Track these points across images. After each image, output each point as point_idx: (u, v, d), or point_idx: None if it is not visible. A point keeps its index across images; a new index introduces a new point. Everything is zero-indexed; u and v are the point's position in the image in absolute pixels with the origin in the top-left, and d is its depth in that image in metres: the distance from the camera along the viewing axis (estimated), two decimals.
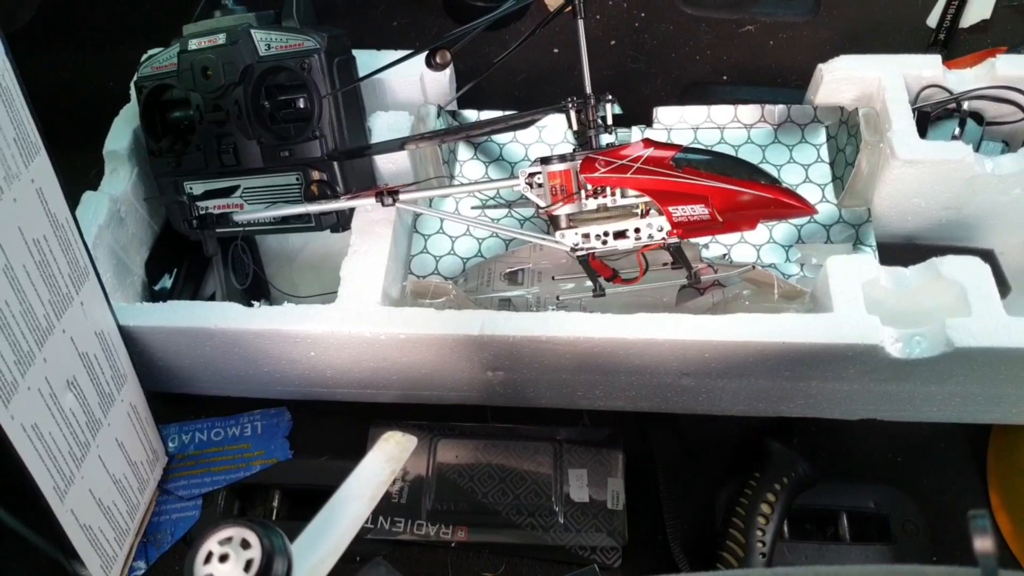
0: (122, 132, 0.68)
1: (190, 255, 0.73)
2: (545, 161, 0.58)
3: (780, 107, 0.70)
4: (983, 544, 0.22)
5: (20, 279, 0.45)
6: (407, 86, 0.70)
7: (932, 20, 0.93)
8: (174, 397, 0.68)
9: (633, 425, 0.66)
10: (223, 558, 0.28)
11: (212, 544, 0.29)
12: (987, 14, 0.92)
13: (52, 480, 0.49)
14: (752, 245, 0.68)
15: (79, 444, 0.52)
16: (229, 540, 0.29)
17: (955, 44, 0.92)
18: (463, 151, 0.74)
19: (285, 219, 0.64)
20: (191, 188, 0.65)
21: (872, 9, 0.96)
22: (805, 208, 0.57)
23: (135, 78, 0.66)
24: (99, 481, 0.55)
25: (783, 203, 0.57)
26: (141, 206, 0.68)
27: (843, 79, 0.68)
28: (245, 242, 0.69)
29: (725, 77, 0.93)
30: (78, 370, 0.52)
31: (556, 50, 0.94)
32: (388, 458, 0.35)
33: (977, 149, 0.67)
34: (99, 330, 0.54)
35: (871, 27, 0.95)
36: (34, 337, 0.46)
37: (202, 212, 0.64)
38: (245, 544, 0.29)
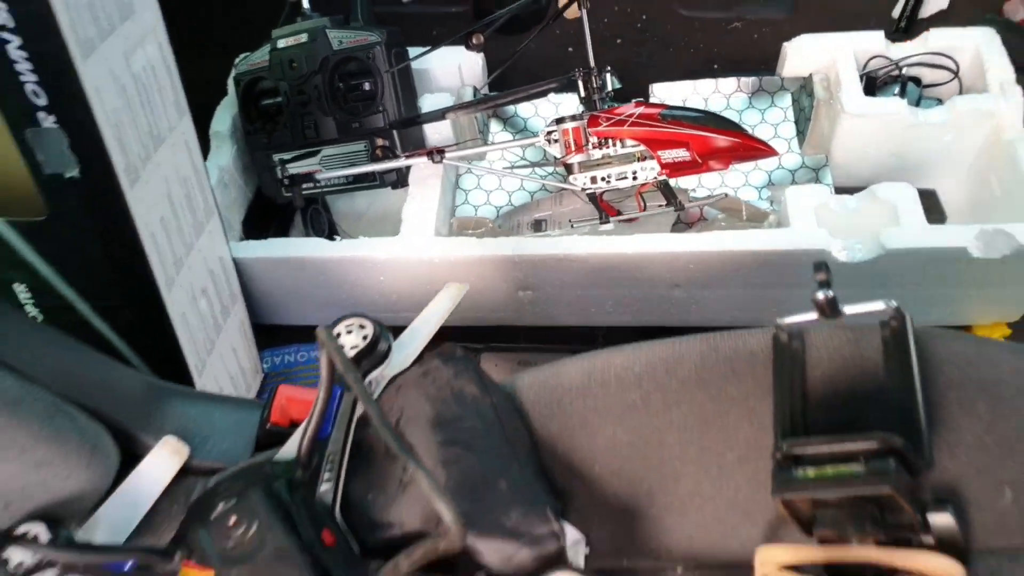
0: (223, 117, 0.85)
1: (277, 219, 0.90)
2: (559, 121, 0.73)
3: (753, 79, 0.86)
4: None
5: (176, 203, 0.62)
6: (448, 74, 0.87)
7: (896, 11, 1.07)
8: (267, 328, 0.84)
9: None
10: (348, 332, 0.44)
11: (339, 327, 0.44)
12: (944, 4, 1.07)
13: (194, 359, 0.65)
14: (731, 188, 0.82)
15: (208, 339, 0.68)
16: (351, 324, 0.44)
17: (916, 32, 1.06)
18: (494, 125, 0.91)
19: (356, 179, 0.81)
20: (280, 158, 0.82)
21: (843, 4, 1.11)
22: (768, 150, 0.71)
23: (233, 74, 0.84)
24: (220, 373, 0.71)
25: (750, 146, 0.71)
26: (240, 176, 0.85)
27: (804, 54, 0.84)
28: (321, 205, 0.86)
29: (716, 66, 1.09)
30: (207, 283, 0.68)
31: (570, 48, 1.11)
32: (449, 296, 0.50)
33: (917, 106, 0.81)
34: (220, 255, 0.71)
35: (842, 20, 1.10)
36: (183, 248, 0.63)
37: (292, 173, 0.81)
38: (362, 327, 0.44)
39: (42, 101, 0.47)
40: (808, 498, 0.32)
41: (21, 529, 0.38)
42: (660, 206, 0.78)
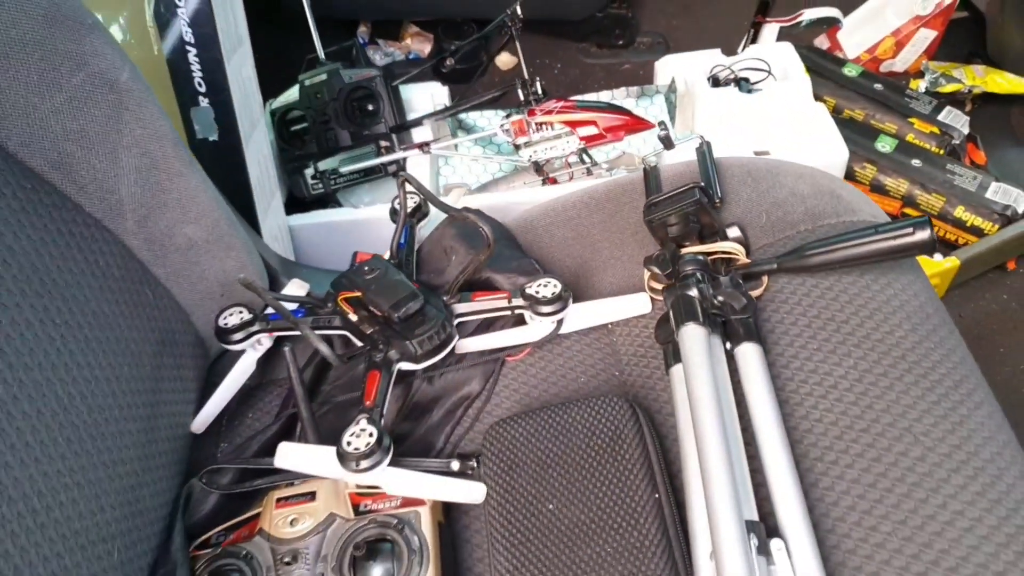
0: None
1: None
2: (508, 116, 1.08)
3: (637, 88, 1.23)
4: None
5: (262, 169, 0.92)
6: (424, 101, 1.21)
7: (739, 48, 1.48)
8: None
9: None
10: (409, 198, 0.74)
11: (399, 195, 0.75)
12: (773, 39, 1.49)
13: None
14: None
15: None
16: (410, 195, 0.75)
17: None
18: (460, 134, 1.24)
19: (367, 172, 1.12)
20: (309, 164, 1.13)
21: (701, 45, 1.52)
22: (648, 124, 1.07)
23: (269, 108, 1.16)
24: None
25: (636, 123, 1.07)
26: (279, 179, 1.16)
27: (670, 67, 1.22)
28: (335, 200, 1.17)
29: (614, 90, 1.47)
30: (276, 232, 0.97)
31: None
32: (456, 194, 0.81)
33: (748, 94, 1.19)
34: (280, 222, 1.00)
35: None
36: (266, 202, 0.92)
37: (322, 170, 1.12)
38: (414, 199, 0.75)
39: (202, 89, 0.78)
40: (660, 219, 0.64)
41: (231, 309, 0.66)
42: (582, 170, 1.12)
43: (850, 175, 1.22)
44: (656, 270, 0.59)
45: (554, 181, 1.11)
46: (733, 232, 0.65)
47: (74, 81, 0.49)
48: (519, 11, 1.11)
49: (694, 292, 0.56)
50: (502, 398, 0.63)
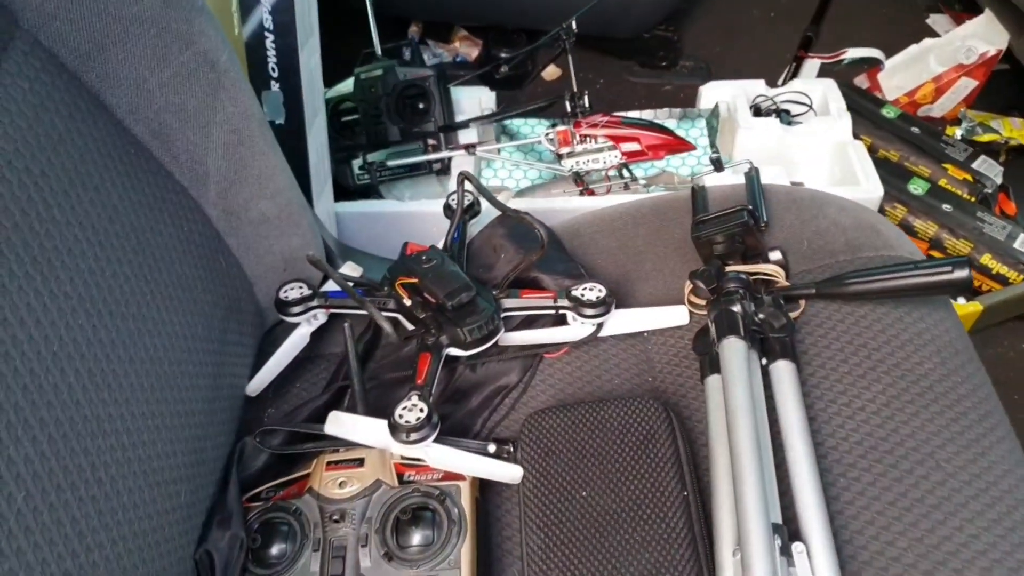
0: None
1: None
2: (553, 125, 1.11)
3: (679, 110, 1.26)
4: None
5: (318, 156, 0.95)
6: (472, 104, 1.25)
7: (780, 80, 1.52)
8: None
9: None
10: (464, 196, 0.78)
11: (457, 191, 0.78)
12: (814, 74, 1.52)
13: None
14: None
15: None
16: (467, 193, 0.78)
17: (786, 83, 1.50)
18: (504, 139, 1.28)
19: (413, 167, 1.16)
20: (357, 155, 1.17)
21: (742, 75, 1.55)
22: (688, 145, 1.10)
23: (324, 97, 1.20)
24: None
25: (677, 143, 1.10)
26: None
27: (713, 93, 1.25)
28: (377, 193, 1.21)
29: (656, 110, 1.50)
30: (326, 218, 1.01)
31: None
32: (505, 194, 0.85)
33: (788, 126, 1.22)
34: (328, 208, 1.04)
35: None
36: (320, 186, 0.96)
37: (371, 161, 1.16)
38: (469, 197, 0.78)
39: (275, 74, 0.82)
40: (707, 236, 0.67)
41: (291, 284, 0.69)
42: (621, 185, 1.16)
43: (880, 213, 1.25)
44: (701, 284, 0.62)
45: (592, 192, 1.14)
46: (775, 255, 0.68)
47: (181, 58, 0.53)
48: (574, 26, 1.14)
49: (737, 308, 0.59)
50: (537, 391, 0.66)
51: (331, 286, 0.71)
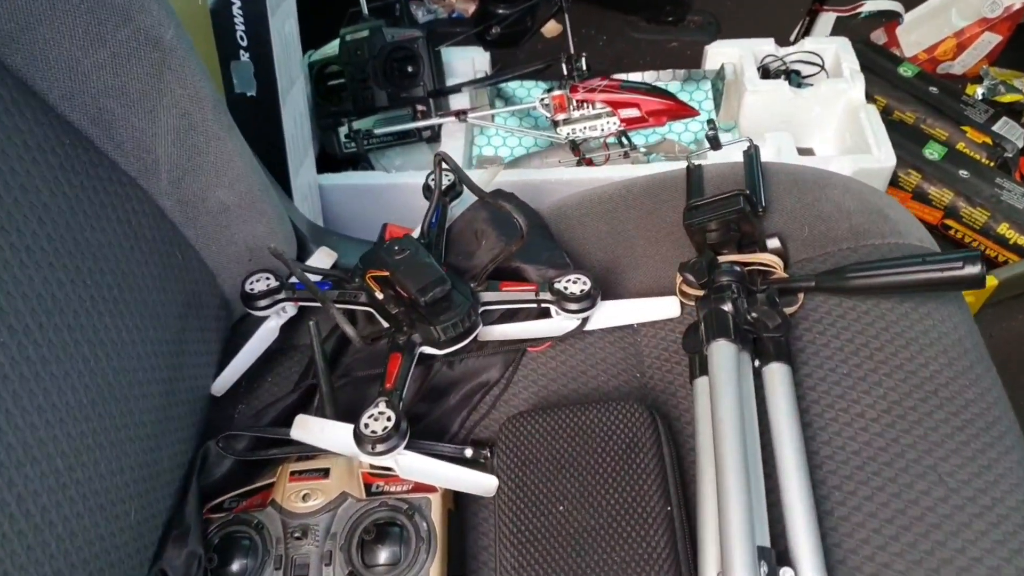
0: None
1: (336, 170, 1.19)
2: (549, 90, 1.05)
3: (683, 71, 1.19)
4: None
5: (297, 126, 0.90)
6: (465, 65, 1.19)
7: (792, 36, 1.44)
8: None
9: None
10: (444, 174, 0.73)
11: (434, 172, 0.73)
12: (828, 31, 1.44)
13: None
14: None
15: None
16: (445, 173, 0.73)
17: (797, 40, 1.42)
18: (498, 103, 1.22)
19: (401, 135, 1.11)
20: (343, 122, 1.12)
21: (752, 32, 1.47)
22: (692, 111, 1.04)
23: (308, 60, 1.14)
24: None
25: (680, 108, 1.04)
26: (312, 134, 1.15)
27: (720, 53, 1.18)
28: (367, 161, 1.16)
29: (660, 71, 1.43)
30: (307, 192, 0.96)
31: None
32: (490, 172, 0.80)
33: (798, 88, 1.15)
34: (310, 180, 0.99)
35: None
36: (298, 160, 0.92)
37: (356, 128, 1.11)
38: (450, 176, 0.73)
39: (244, 43, 0.77)
40: (700, 224, 0.62)
41: (258, 275, 0.65)
42: (620, 153, 1.10)
43: (894, 181, 1.19)
44: (691, 277, 0.58)
45: (590, 162, 1.09)
46: (773, 243, 0.63)
47: (119, 36, 0.48)
48: None
49: (728, 307, 0.54)
50: (520, 388, 0.63)
51: None
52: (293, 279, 0.65)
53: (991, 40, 1.32)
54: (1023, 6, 1.28)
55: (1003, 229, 1.13)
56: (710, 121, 0.88)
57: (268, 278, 0.65)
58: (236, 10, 0.75)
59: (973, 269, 0.51)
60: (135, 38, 0.49)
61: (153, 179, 0.54)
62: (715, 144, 0.77)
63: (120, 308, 0.48)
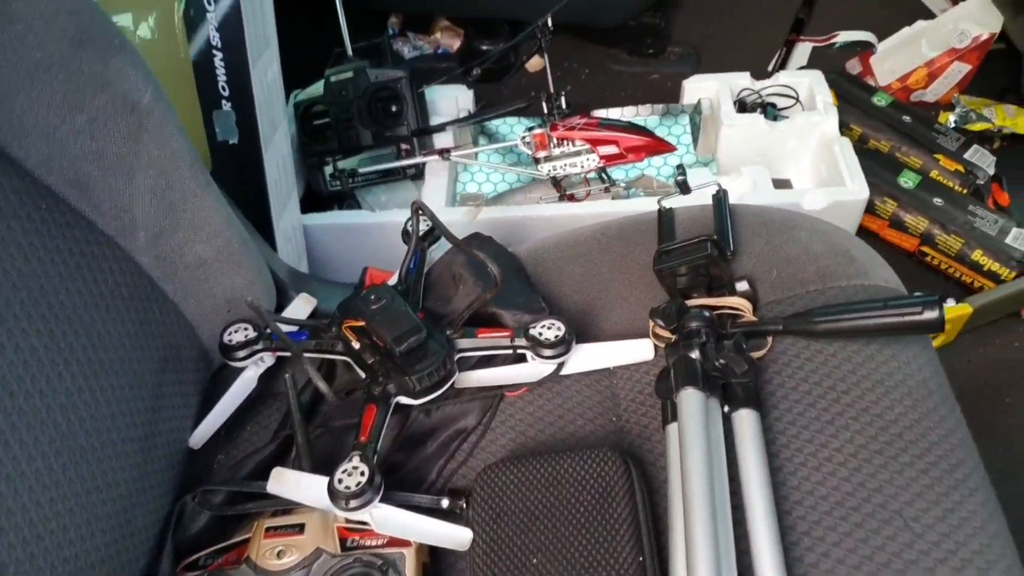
0: None
1: (321, 208, 1.20)
2: (530, 129, 1.07)
3: (662, 106, 1.21)
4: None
5: (280, 172, 0.92)
6: (448, 103, 1.21)
7: (770, 67, 1.46)
8: None
9: None
10: (422, 220, 0.74)
11: (412, 219, 0.74)
12: (804, 62, 1.47)
13: None
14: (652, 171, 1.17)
15: None
16: (421, 219, 0.74)
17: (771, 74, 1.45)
18: (482, 140, 1.24)
19: (386, 173, 1.12)
20: (329, 161, 1.13)
21: (730, 66, 1.50)
22: (669, 146, 1.06)
23: (294, 99, 1.16)
24: None
25: (657, 144, 1.06)
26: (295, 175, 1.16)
27: (697, 87, 1.20)
28: (353, 198, 1.17)
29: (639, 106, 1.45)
30: (291, 234, 0.98)
31: (532, 93, 1.46)
32: (470, 213, 0.81)
33: (773, 121, 1.17)
34: (294, 222, 1.01)
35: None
36: (282, 204, 0.93)
37: (341, 168, 1.12)
38: (426, 223, 0.74)
39: (226, 93, 0.78)
40: (669, 268, 0.63)
41: (236, 326, 0.66)
42: (601, 188, 1.12)
43: (871, 209, 1.21)
44: (660, 323, 0.59)
45: (572, 197, 1.10)
46: (742, 286, 0.64)
47: (96, 103, 0.50)
48: (550, 23, 1.09)
49: (696, 354, 0.55)
50: (498, 434, 0.63)
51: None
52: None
53: (961, 69, 1.35)
54: (990, 36, 1.31)
55: (977, 256, 1.15)
56: (679, 166, 0.90)
57: (246, 329, 0.65)
58: (218, 61, 0.76)
59: (931, 314, 0.53)
60: (112, 103, 0.50)
61: (131, 237, 0.55)
62: (684, 189, 0.78)
63: (95, 369, 0.49)
